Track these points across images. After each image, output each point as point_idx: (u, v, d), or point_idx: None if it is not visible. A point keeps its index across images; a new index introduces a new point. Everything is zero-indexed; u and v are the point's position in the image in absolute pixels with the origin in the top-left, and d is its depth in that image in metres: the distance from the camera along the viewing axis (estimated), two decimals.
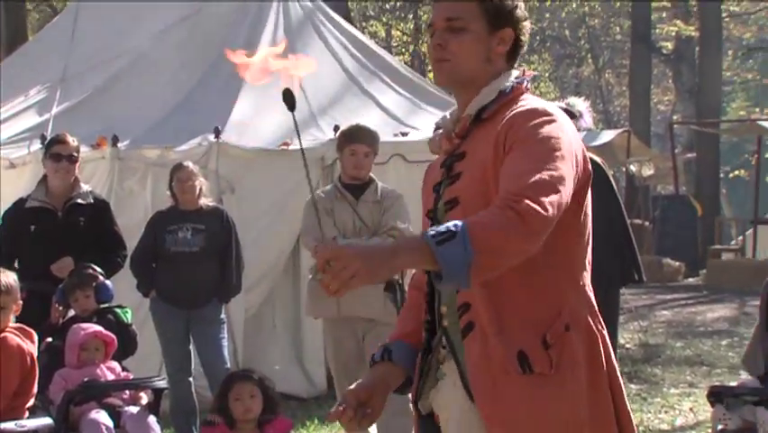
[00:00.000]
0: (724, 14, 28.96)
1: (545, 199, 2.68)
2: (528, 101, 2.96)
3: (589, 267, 3.00)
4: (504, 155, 2.83)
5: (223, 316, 7.78)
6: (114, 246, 7.32)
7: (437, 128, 3.12)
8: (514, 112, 2.89)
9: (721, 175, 28.33)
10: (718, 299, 16.23)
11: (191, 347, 7.75)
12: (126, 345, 6.39)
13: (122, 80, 10.91)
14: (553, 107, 2.93)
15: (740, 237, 22.87)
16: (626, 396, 3.01)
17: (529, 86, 3.05)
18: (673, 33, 29.75)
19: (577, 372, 2.86)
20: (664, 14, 30.14)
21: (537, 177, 2.71)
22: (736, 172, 39.41)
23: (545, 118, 2.85)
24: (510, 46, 3.02)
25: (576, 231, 2.93)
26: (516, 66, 3.07)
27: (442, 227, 2.63)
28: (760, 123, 24.04)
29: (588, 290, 2.98)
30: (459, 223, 2.63)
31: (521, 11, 3.03)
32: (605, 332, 2.96)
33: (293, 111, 3.09)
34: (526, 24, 3.06)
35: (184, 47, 11.05)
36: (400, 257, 2.63)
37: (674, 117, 32.19)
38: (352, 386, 3.14)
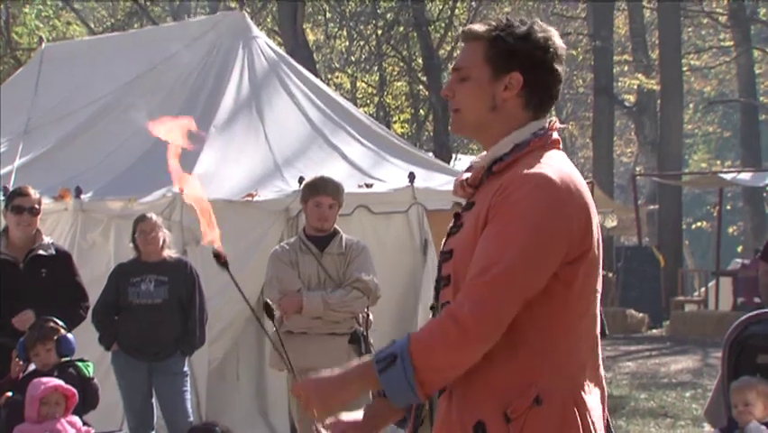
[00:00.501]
0: (684, 68, 29.33)
1: (489, 308, 2.62)
2: (536, 161, 2.76)
3: (587, 341, 2.79)
4: (484, 224, 2.74)
5: (186, 368, 7.72)
6: (76, 298, 7.26)
7: (467, 170, 2.98)
8: (513, 174, 2.73)
9: (684, 226, 28.51)
10: (682, 350, 16.27)
11: (153, 401, 7.67)
12: (87, 399, 6.32)
13: (85, 132, 10.91)
14: (559, 172, 2.74)
15: (703, 288, 22.99)
16: None
17: (552, 138, 2.83)
18: (635, 86, 30.07)
19: None
20: (626, 68, 30.50)
21: (489, 278, 2.63)
22: (699, 224, 39.76)
23: (536, 191, 2.69)
24: (523, 91, 2.80)
25: (561, 306, 2.72)
26: (544, 115, 2.86)
27: (384, 352, 2.69)
28: (721, 175, 24.34)
29: (578, 366, 2.76)
30: (403, 342, 2.67)
31: (543, 55, 2.80)
32: (593, 413, 2.75)
33: (226, 268, 3.16)
34: (552, 68, 2.82)
35: (148, 98, 11.05)
36: (351, 386, 2.74)
37: (637, 169, 32.46)
38: (350, 417, 3.06)
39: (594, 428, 2.74)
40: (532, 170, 2.72)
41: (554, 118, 2.87)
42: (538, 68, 2.80)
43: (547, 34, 2.82)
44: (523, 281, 2.64)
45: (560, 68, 2.84)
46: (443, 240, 3.00)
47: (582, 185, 2.77)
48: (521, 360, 2.71)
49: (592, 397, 2.78)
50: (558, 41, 2.84)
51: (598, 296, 2.82)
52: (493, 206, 2.71)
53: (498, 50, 2.79)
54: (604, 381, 2.87)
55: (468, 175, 2.89)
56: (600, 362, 2.86)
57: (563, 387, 2.72)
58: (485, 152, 2.87)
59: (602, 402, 2.84)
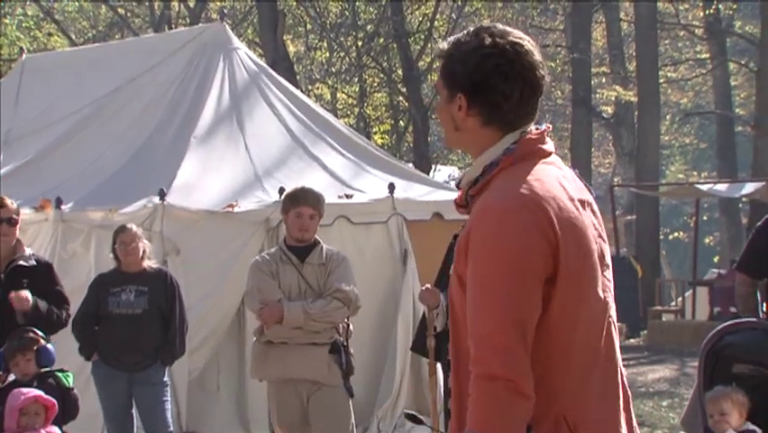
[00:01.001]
0: (661, 80, 29.48)
1: (501, 358, 2.54)
2: (505, 182, 2.69)
3: (583, 359, 2.69)
4: (465, 264, 2.68)
5: (166, 378, 7.69)
6: (57, 305, 7.22)
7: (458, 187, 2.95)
8: (479, 204, 2.70)
9: (661, 237, 28.59)
10: (659, 359, 16.31)
11: (134, 411, 7.64)
12: (67, 410, 6.28)
13: (66, 142, 10.88)
14: (520, 195, 2.65)
15: (680, 298, 23.06)
16: None
17: (525, 150, 2.74)
18: (613, 98, 30.18)
19: None
20: (604, 80, 30.64)
21: (487, 331, 2.57)
22: (676, 234, 39.91)
23: (490, 230, 2.62)
24: (471, 111, 2.73)
25: (545, 330, 2.64)
26: (515, 128, 2.76)
27: None
28: (697, 186, 24.41)
29: (573, 387, 2.67)
30: None
31: (481, 75, 2.69)
32: (596, 430, 2.69)
33: None
34: (494, 86, 2.70)
35: (129, 109, 11.05)
36: None
37: (615, 180, 32.53)
38: None
39: None
40: (487, 203, 2.66)
41: (531, 127, 2.78)
42: (476, 88, 2.72)
43: (493, 50, 2.71)
44: (520, 312, 2.58)
45: (506, 84, 2.71)
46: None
47: (554, 198, 2.66)
48: None
49: (597, 414, 2.70)
50: (510, 52, 2.71)
51: (599, 309, 2.73)
52: (468, 248, 2.66)
53: (446, 71, 2.77)
54: (627, 393, 2.80)
55: (457, 197, 2.87)
56: (619, 374, 2.78)
57: (555, 410, 2.64)
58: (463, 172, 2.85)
59: (627, 417, 2.77)
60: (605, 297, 2.75)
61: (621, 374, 2.79)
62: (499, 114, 2.73)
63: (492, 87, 2.71)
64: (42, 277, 7.21)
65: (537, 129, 2.79)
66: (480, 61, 2.70)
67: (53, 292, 7.23)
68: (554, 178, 2.71)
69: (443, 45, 2.82)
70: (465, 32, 2.79)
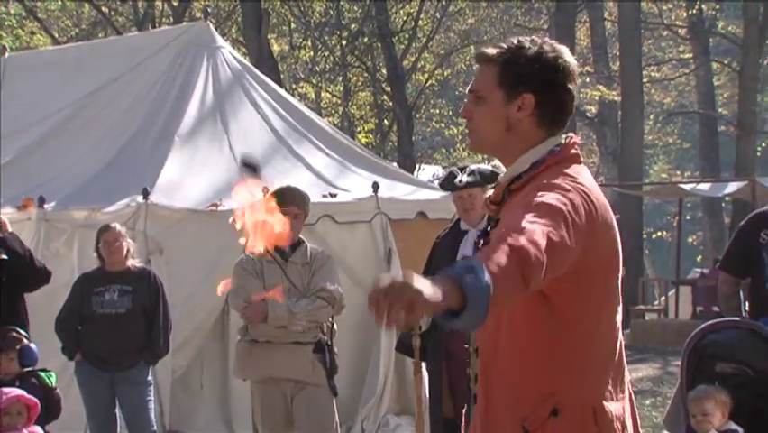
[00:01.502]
0: (645, 80, 29.53)
1: (542, 238, 2.57)
2: (553, 176, 2.81)
3: (605, 351, 2.84)
4: None
5: (149, 378, 7.68)
6: (37, 269, 7.26)
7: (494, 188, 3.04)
8: (532, 186, 2.80)
9: (644, 236, 28.68)
10: (642, 358, 16.34)
11: (117, 410, 7.63)
12: (50, 410, 6.27)
13: (49, 141, 10.85)
14: (574, 184, 2.78)
15: (663, 297, 23.13)
16: None
17: (568, 153, 2.89)
18: (596, 98, 30.26)
19: None
20: (588, 79, 30.70)
21: (531, 222, 2.60)
22: (659, 233, 40.01)
23: (556, 191, 2.73)
24: (536, 111, 2.87)
25: (571, 319, 2.78)
26: (560, 131, 2.93)
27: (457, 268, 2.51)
28: (681, 185, 24.47)
29: (597, 375, 2.81)
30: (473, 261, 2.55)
31: (553, 74, 2.87)
32: (615, 420, 2.80)
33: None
34: (564, 86, 2.88)
35: (113, 108, 11.02)
36: (439, 299, 2.45)
37: (598, 179, 32.62)
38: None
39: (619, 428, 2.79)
40: (550, 182, 2.78)
41: (572, 134, 2.94)
42: (549, 88, 2.87)
43: (557, 53, 2.88)
44: (572, 221, 2.65)
45: (572, 85, 2.90)
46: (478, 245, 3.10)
47: (599, 196, 2.81)
48: (539, 374, 2.77)
49: (615, 404, 2.83)
50: (569, 58, 2.90)
51: (617, 307, 2.87)
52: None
53: (510, 73, 2.86)
54: (631, 390, 2.94)
55: (491, 194, 3.00)
56: (626, 371, 2.93)
57: (581, 397, 2.77)
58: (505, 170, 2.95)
59: (631, 410, 2.93)
60: (619, 298, 2.91)
61: (626, 375, 2.95)
62: (561, 114, 2.90)
63: (562, 86, 2.88)
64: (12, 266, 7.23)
65: (574, 137, 2.95)
66: (551, 61, 2.87)
67: (28, 261, 7.27)
68: (594, 182, 2.88)
69: (491, 51, 2.93)
70: (515, 41, 2.92)
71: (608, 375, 2.84)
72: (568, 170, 2.83)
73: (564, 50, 2.91)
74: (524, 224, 2.57)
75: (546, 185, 2.75)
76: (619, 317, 2.89)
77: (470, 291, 2.43)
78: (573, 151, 2.90)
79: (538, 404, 2.74)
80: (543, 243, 2.54)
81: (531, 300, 2.72)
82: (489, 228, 3.03)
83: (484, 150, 3.07)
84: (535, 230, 2.56)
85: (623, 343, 2.94)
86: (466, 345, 3.08)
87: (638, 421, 2.95)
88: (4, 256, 7.28)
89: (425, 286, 2.43)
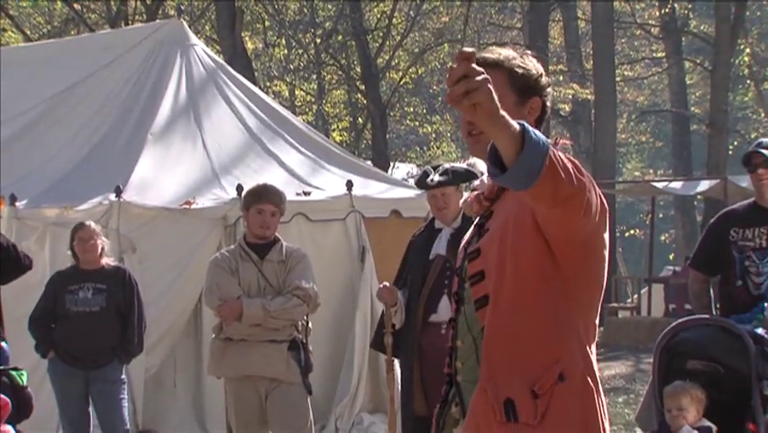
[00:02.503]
0: (618, 79, 29.65)
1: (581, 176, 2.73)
2: None
3: (593, 328, 3.03)
4: (513, 224, 2.94)
5: (123, 376, 7.66)
6: (15, 257, 7.23)
7: (473, 190, 3.12)
8: None
9: (617, 234, 28.83)
10: (615, 356, 16.44)
11: (90, 409, 7.61)
12: (21, 408, 6.24)
13: (20, 139, 10.80)
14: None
15: (635, 295, 23.26)
16: None
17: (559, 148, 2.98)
18: (570, 96, 30.36)
19: (565, 425, 2.87)
20: (561, 78, 30.80)
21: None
22: (632, 231, 40.21)
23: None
24: (538, 113, 3.11)
25: (576, 290, 2.95)
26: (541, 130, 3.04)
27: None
28: (653, 184, 24.61)
29: (588, 347, 2.99)
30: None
31: (545, 78, 3.13)
32: (600, 389, 2.98)
33: None
34: (550, 90, 3.16)
35: (85, 106, 10.99)
36: (502, 113, 2.53)
37: None
38: None
39: (604, 405, 2.98)
40: None
41: (555, 134, 3.07)
42: (544, 93, 3.12)
43: (538, 65, 3.13)
44: (594, 188, 2.80)
45: (551, 89, 3.18)
46: (467, 238, 3.19)
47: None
48: (547, 342, 2.91)
49: (597, 374, 3.00)
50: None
51: (602, 292, 3.05)
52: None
53: (521, 78, 3.07)
54: None
55: (481, 191, 3.11)
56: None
57: (582, 365, 2.93)
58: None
59: None
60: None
61: None
62: (546, 116, 3.14)
63: (550, 93, 3.16)
64: None
65: (560, 137, 3.12)
66: (541, 72, 3.13)
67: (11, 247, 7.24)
68: None
69: (496, 55, 3.07)
70: (508, 48, 3.14)
71: (593, 348, 3.00)
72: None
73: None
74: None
75: None
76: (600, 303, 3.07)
77: (532, 140, 2.53)
78: (560, 147, 2.97)
79: (545, 370, 2.87)
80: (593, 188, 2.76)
81: (542, 267, 2.89)
82: (482, 222, 3.10)
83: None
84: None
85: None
86: (459, 341, 3.12)
87: None
88: None
89: (495, 102, 2.49)
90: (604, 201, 2.89)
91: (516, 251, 2.92)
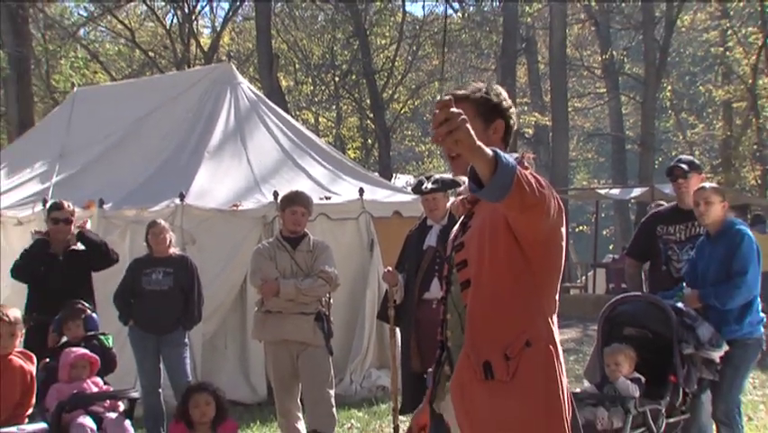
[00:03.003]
0: (570, 109, 29.59)
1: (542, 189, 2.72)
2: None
3: (554, 303, 3.01)
4: (490, 223, 2.91)
5: (186, 340, 7.65)
6: (106, 252, 7.24)
7: (458, 195, 3.14)
8: None
9: (570, 230, 28.73)
10: (567, 324, 16.40)
11: (161, 365, 7.61)
12: (108, 365, 6.25)
13: (108, 156, 10.81)
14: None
15: (584, 277, 23.22)
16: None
17: (523, 165, 2.94)
18: (533, 122, 30.34)
19: (531, 381, 2.85)
20: (525, 108, 30.75)
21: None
22: (581, 228, 40.12)
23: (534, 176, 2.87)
24: (501, 133, 3.06)
25: (542, 276, 2.93)
26: (508, 147, 3.09)
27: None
28: (597, 190, 24.55)
29: (550, 319, 2.97)
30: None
31: (506, 102, 3.08)
32: (560, 353, 2.95)
33: None
34: (513, 111, 3.11)
35: (157, 130, 10.99)
36: (478, 144, 2.52)
37: None
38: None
39: (562, 365, 2.95)
40: None
41: (522, 150, 3.06)
42: (507, 116, 3.08)
43: (501, 92, 3.09)
44: (552, 195, 2.79)
45: (513, 109, 3.13)
46: (454, 233, 3.15)
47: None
48: (517, 317, 2.89)
49: (558, 341, 2.97)
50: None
51: (560, 275, 3.02)
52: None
53: (486, 106, 3.03)
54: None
55: (465, 196, 3.10)
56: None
57: (545, 334, 2.91)
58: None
59: None
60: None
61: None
62: (510, 134, 3.10)
63: (513, 112, 3.12)
64: (90, 253, 7.22)
65: (527, 153, 3.10)
66: (504, 99, 3.09)
67: (94, 244, 7.27)
68: None
69: (464, 91, 3.05)
70: (472, 85, 3.09)
71: (554, 318, 2.99)
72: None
73: (503, 90, 3.12)
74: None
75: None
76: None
77: (503, 163, 2.54)
78: (526, 163, 2.97)
79: (515, 338, 2.86)
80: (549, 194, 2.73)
81: (515, 258, 2.87)
82: (466, 221, 3.09)
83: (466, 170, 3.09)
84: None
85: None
86: (448, 315, 3.09)
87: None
88: (82, 247, 7.27)
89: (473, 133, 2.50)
90: (561, 204, 2.86)
91: (492, 245, 2.90)
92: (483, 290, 2.93)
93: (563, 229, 2.96)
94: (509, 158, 2.59)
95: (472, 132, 2.50)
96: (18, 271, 7.35)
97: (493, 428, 2.87)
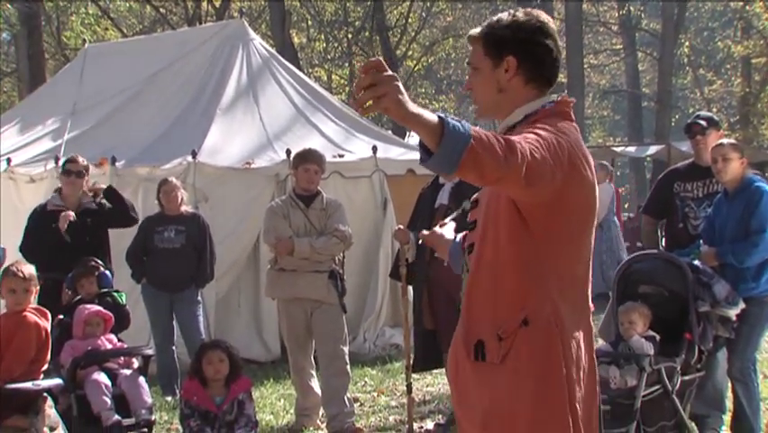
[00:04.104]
0: (585, 66, 29.35)
1: (524, 155, 2.33)
2: (544, 124, 2.54)
3: (568, 279, 2.60)
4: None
5: (199, 298, 7.70)
6: (127, 208, 7.23)
7: None
8: (524, 129, 2.54)
9: None
10: None
11: (174, 323, 7.66)
12: (121, 321, 6.28)
13: (119, 113, 10.79)
14: (560, 133, 2.52)
15: None
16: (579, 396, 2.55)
17: (560, 109, 2.63)
18: None
19: (525, 365, 2.52)
20: None
21: (520, 144, 2.36)
22: None
23: (546, 127, 2.51)
24: (519, 70, 2.62)
25: (545, 247, 2.55)
26: (549, 86, 2.67)
27: (455, 121, 2.26)
28: (613, 148, 24.41)
29: (560, 297, 2.57)
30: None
31: (523, 31, 2.61)
32: (574, 333, 2.58)
33: None
34: (539, 41, 2.61)
35: (168, 87, 10.95)
36: (412, 112, 2.20)
37: None
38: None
39: (575, 348, 2.58)
40: (542, 123, 2.55)
41: (565, 94, 2.72)
42: (526, 47, 2.61)
43: (529, 16, 2.64)
44: (555, 151, 2.43)
45: (548, 40, 2.63)
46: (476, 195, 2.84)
47: (580, 151, 2.56)
48: (517, 293, 2.56)
49: (575, 324, 2.59)
50: (543, 18, 2.64)
51: (583, 251, 2.63)
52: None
53: (491, 42, 2.64)
54: (591, 319, 2.70)
55: None
56: (589, 301, 2.69)
57: (549, 312, 2.54)
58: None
59: (589, 342, 2.66)
60: (590, 244, 2.68)
61: (589, 304, 2.71)
62: (542, 69, 2.64)
63: (538, 42, 2.62)
64: (105, 210, 7.19)
65: (566, 96, 2.70)
66: (524, 24, 2.62)
67: (122, 202, 7.22)
68: (580, 140, 2.64)
69: (476, 30, 2.71)
70: (494, 17, 2.68)
71: (569, 301, 2.59)
72: (558, 123, 2.57)
73: (537, 13, 2.66)
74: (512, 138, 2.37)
75: (535, 127, 2.52)
76: (587, 262, 2.64)
77: (450, 131, 2.21)
78: (565, 108, 2.66)
79: (511, 315, 2.54)
80: (527, 147, 2.35)
81: (513, 224, 2.53)
82: None
83: (487, 114, 2.75)
84: (522, 139, 2.39)
85: (590, 283, 2.67)
86: (463, 276, 2.82)
87: (594, 358, 2.69)
88: (94, 206, 7.20)
89: (409, 101, 2.19)
90: (578, 166, 2.50)
91: (494, 207, 2.60)
92: (483, 258, 2.63)
93: (583, 195, 2.56)
94: (461, 127, 2.22)
95: (405, 98, 2.17)
96: (27, 252, 7.08)
97: (479, 416, 2.59)
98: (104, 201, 7.26)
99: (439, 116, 2.23)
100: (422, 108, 2.24)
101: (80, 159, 7.22)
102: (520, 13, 2.64)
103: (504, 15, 2.66)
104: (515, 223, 2.53)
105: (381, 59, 2.22)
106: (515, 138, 2.37)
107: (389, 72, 2.19)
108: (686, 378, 5.35)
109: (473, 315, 2.64)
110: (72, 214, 6.88)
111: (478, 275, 2.64)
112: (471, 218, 2.77)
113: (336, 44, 28.15)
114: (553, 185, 2.43)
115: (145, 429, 5.64)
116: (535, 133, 2.44)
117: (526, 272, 2.54)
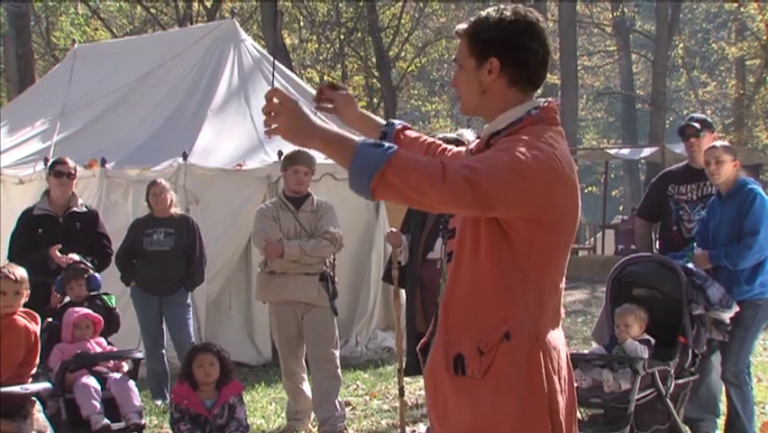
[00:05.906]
0: (579, 67, 29.41)
1: (476, 177, 2.26)
2: (528, 134, 2.47)
3: (550, 290, 2.55)
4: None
5: (189, 301, 7.68)
6: (104, 245, 7.16)
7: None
8: (507, 138, 2.49)
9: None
10: (575, 286, 16.45)
11: (163, 326, 7.64)
12: (111, 325, 6.26)
13: (109, 114, 10.77)
14: (543, 144, 2.44)
15: (592, 238, 23.21)
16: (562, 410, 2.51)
17: (545, 115, 2.55)
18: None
19: (506, 381, 2.46)
20: None
21: (480, 164, 2.32)
22: (590, 188, 40.06)
23: (523, 143, 2.42)
24: (502, 72, 2.54)
25: (526, 258, 2.47)
26: (534, 90, 2.60)
27: (375, 141, 2.32)
28: (607, 150, 24.47)
29: (540, 310, 2.51)
30: (394, 147, 2.30)
31: (511, 33, 2.52)
32: (554, 343, 2.53)
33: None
34: (523, 44, 2.52)
35: (159, 88, 10.94)
36: (318, 140, 2.34)
37: None
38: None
39: (556, 358, 2.53)
40: (523, 136, 2.46)
41: (552, 99, 2.64)
42: (510, 49, 2.52)
43: (517, 16, 2.54)
44: (506, 184, 2.34)
45: (534, 43, 2.53)
46: None
47: (566, 160, 2.48)
48: (497, 305, 2.48)
49: (553, 333, 2.55)
50: (531, 17, 2.54)
51: (565, 257, 2.59)
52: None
53: (477, 41, 2.55)
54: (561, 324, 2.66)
55: (473, 146, 2.67)
56: (561, 308, 2.66)
57: (529, 326, 2.48)
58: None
59: (562, 339, 2.64)
60: (569, 250, 2.63)
61: (561, 311, 2.68)
62: (526, 72, 2.55)
63: (523, 45, 2.53)
64: (91, 221, 7.17)
65: (554, 101, 2.62)
66: (510, 25, 2.53)
67: (98, 235, 7.17)
68: (566, 148, 2.56)
69: (463, 26, 2.62)
70: (482, 12, 2.59)
71: (549, 310, 2.55)
72: (542, 132, 2.49)
73: (526, 12, 2.56)
74: (469, 161, 2.34)
75: (517, 139, 2.44)
76: (565, 264, 2.61)
77: (360, 152, 2.27)
78: (550, 114, 2.57)
79: (492, 329, 2.46)
80: (484, 169, 2.28)
81: (493, 234, 2.45)
82: None
83: (469, 112, 2.68)
84: (482, 160, 2.34)
85: (563, 285, 2.65)
86: (441, 281, 2.78)
87: (567, 350, 2.68)
88: (84, 209, 7.16)
89: (319, 127, 2.34)
90: (546, 182, 2.39)
91: (475, 217, 2.49)
92: (462, 269, 2.54)
93: (566, 209, 2.50)
94: (377, 154, 2.22)
95: (305, 125, 2.32)
96: (13, 258, 6.80)
97: (460, 432, 2.53)
98: (91, 207, 7.24)
99: (357, 144, 2.28)
100: (345, 133, 2.31)
101: (69, 160, 7.19)
102: (508, 12, 2.55)
103: (492, 12, 2.57)
104: (495, 234, 2.46)
105: (279, 87, 2.35)
106: (470, 160, 2.36)
107: (289, 100, 2.33)
108: (680, 381, 5.36)
109: (452, 326, 2.56)
110: (57, 253, 6.78)
111: (457, 285, 2.56)
112: (451, 226, 2.69)
113: (328, 45, 28.14)
114: (523, 205, 2.38)
115: None
116: (509, 152, 2.37)
117: (508, 285, 2.47)
